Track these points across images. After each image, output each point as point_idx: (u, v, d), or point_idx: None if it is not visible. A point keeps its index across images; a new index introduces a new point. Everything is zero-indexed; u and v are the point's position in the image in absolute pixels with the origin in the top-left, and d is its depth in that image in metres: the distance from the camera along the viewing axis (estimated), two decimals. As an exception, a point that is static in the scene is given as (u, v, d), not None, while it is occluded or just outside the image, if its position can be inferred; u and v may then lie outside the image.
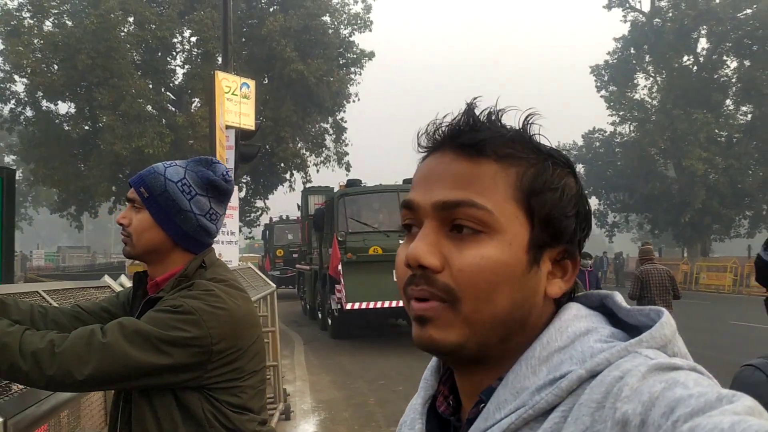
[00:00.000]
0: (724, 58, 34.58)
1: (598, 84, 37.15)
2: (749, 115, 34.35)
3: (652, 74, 36.23)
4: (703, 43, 34.81)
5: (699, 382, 0.52)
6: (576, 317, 0.66)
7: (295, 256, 19.77)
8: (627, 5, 35.90)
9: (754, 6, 32.13)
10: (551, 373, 0.61)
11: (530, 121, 0.69)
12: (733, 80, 34.09)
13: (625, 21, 36.14)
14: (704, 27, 33.55)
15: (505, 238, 0.64)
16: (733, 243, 37.52)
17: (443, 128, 0.69)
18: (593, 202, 35.66)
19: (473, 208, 0.64)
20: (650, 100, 36.02)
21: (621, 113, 35.69)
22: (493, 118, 0.69)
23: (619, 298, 0.70)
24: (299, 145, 29.32)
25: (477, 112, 0.69)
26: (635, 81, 36.86)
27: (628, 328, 0.66)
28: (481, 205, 0.64)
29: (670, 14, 33.55)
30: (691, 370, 0.55)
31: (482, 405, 0.65)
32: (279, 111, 26.06)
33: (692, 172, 31.39)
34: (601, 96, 36.74)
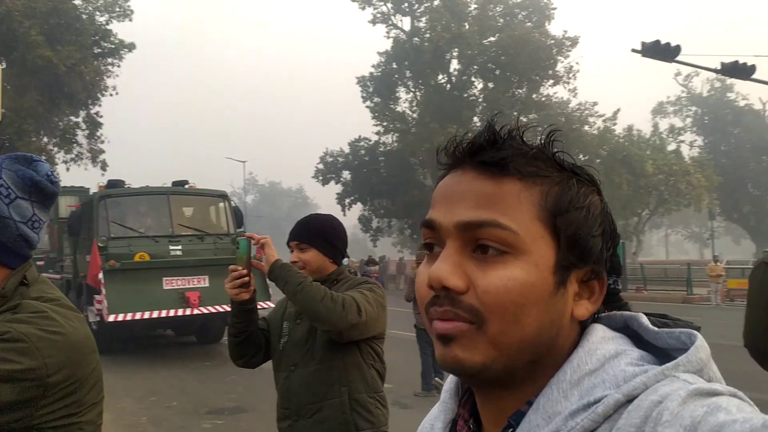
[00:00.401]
0: (473, 79, 38.51)
1: (364, 95, 38.90)
2: (492, 132, 38.49)
3: (412, 89, 38.92)
4: (455, 64, 38.39)
5: (741, 408, 0.51)
6: (603, 339, 0.65)
7: (40, 263, 17.58)
8: (390, 23, 38.19)
9: (497, 35, 36.28)
10: (584, 398, 0.59)
11: (552, 138, 0.68)
12: (480, 99, 38.11)
13: (388, 37, 38.43)
14: (456, 49, 37.00)
15: (531, 258, 0.63)
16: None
17: (464, 145, 0.67)
18: (358, 208, 37.34)
19: (498, 228, 0.62)
20: (411, 113, 38.65)
21: (385, 124, 37.75)
22: (514, 134, 0.67)
23: (645, 320, 0.68)
24: (45, 139, 26.41)
25: (498, 129, 0.68)
26: (397, 94, 39.29)
27: (654, 350, 0.65)
28: (505, 226, 0.62)
29: (428, 35, 36.39)
30: (732, 395, 0.54)
31: (511, 430, 0.64)
32: (21, 101, 23.17)
33: (446, 181, 34.21)
34: (367, 106, 38.53)
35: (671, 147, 41.39)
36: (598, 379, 0.60)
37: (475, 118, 37.86)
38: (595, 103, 38.68)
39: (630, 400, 0.56)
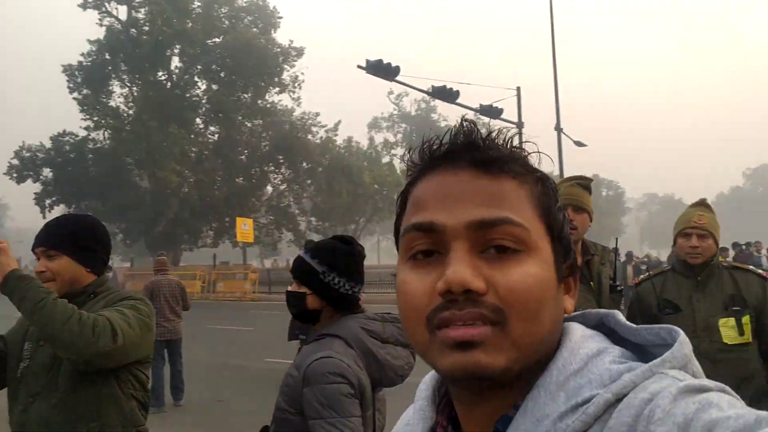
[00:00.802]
0: (196, 79, 37.02)
1: (71, 85, 34.88)
2: (216, 135, 37.55)
3: (128, 83, 36.02)
4: (176, 62, 36.48)
5: (732, 403, 0.52)
6: (584, 338, 0.65)
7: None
8: (104, 9, 34.84)
9: (222, 36, 35.38)
10: (571, 399, 0.59)
11: (513, 140, 0.68)
12: (203, 101, 36.77)
13: (101, 25, 35.05)
14: (178, 46, 35.19)
15: (541, 255, 0.63)
16: (201, 252, 40.30)
17: (457, 144, 0.66)
18: (61, 210, 33.17)
19: (512, 225, 0.62)
20: (126, 109, 35.71)
21: (95, 119, 34.26)
22: (493, 137, 0.67)
23: (621, 317, 0.69)
24: None
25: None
26: (110, 87, 36.04)
27: (631, 347, 0.65)
28: (518, 223, 0.62)
29: (147, 28, 33.99)
30: (720, 391, 0.55)
31: None
32: None
33: (166, 184, 32.38)
34: (74, 98, 34.60)
35: (385, 159, 44.85)
36: (584, 379, 0.60)
37: (199, 120, 36.45)
38: (318, 114, 40.07)
39: (619, 398, 0.56)
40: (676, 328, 0.62)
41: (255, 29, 37.33)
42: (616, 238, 3.82)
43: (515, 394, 0.63)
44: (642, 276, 3.36)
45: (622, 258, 18.94)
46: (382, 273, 32.04)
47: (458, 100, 19.53)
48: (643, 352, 0.64)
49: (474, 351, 0.59)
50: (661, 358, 0.59)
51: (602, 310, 0.70)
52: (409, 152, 0.70)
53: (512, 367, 0.60)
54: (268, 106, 39.06)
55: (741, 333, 2.86)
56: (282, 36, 55.11)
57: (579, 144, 22.16)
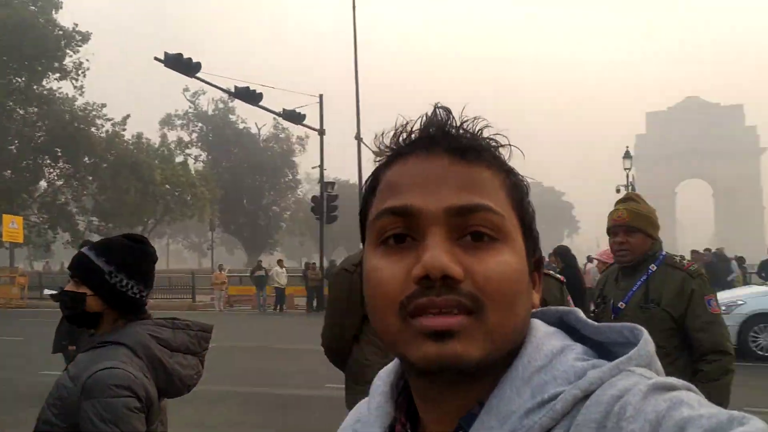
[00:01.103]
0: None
1: None
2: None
3: None
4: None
5: (702, 402, 0.52)
6: (547, 334, 0.64)
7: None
8: None
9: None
10: (537, 395, 0.58)
11: (483, 131, 0.67)
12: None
13: None
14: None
15: (516, 245, 0.63)
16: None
17: (433, 129, 0.65)
18: None
19: (491, 213, 0.61)
20: None
21: None
22: (467, 125, 0.66)
23: (582, 314, 0.69)
24: None
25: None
26: None
27: (592, 345, 0.65)
28: (497, 210, 0.62)
29: None
30: (687, 389, 0.55)
31: None
32: None
33: None
34: None
35: (179, 159, 42.72)
36: (549, 376, 0.59)
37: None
38: (104, 105, 37.01)
39: (587, 395, 0.56)
40: (639, 327, 0.62)
41: (33, 7, 33.55)
42: None
43: (480, 389, 0.62)
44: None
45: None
46: (173, 278, 30.51)
47: (261, 103, 19.32)
48: (604, 350, 0.63)
49: (451, 341, 0.57)
50: (627, 355, 0.59)
51: (562, 308, 0.70)
52: (376, 137, 0.68)
53: (486, 359, 0.59)
54: (46, 92, 35.34)
55: None
56: (65, 18, 49.95)
57: (379, 154, 22.86)
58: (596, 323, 0.66)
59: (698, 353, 2.69)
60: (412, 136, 0.66)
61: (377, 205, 0.64)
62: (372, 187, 0.67)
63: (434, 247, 0.59)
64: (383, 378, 0.73)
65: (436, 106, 0.66)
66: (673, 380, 0.55)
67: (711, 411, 0.50)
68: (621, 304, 2.90)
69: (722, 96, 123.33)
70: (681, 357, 2.74)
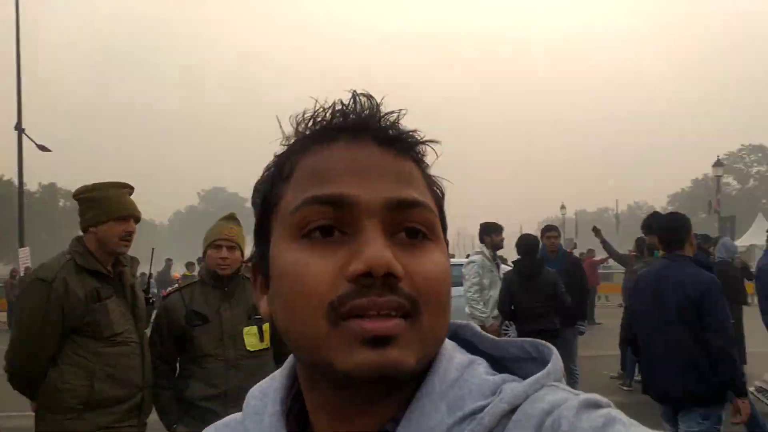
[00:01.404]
0: None
1: None
2: None
3: None
4: None
5: (632, 421, 0.51)
6: (453, 347, 0.61)
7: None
8: None
9: None
10: (455, 410, 0.55)
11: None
12: None
13: None
14: None
15: (442, 246, 0.60)
16: None
17: (364, 115, 0.60)
18: None
19: (426, 210, 0.58)
20: None
21: None
22: (394, 116, 0.62)
23: (478, 328, 0.66)
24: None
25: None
26: None
27: (487, 359, 0.63)
28: (432, 208, 0.59)
29: None
30: (611, 408, 0.54)
31: None
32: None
33: None
34: None
35: None
36: (464, 390, 0.56)
37: None
38: None
39: (513, 409, 0.54)
40: (542, 342, 0.61)
41: None
42: (153, 249, 3.76)
43: (395, 404, 0.57)
44: (170, 288, 3.47)
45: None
46: None
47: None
48: (501, 365, 0.61)
49: (388, 347, 0.52)
50: (545, 371, 0.57)
51: (457, 321, 0.66)
52: (292, 118, 0.62)
53: (417, 368, 0.55)
54: None
55: (261, 339, 3.10)
56: None
57: (42, 148, 20.07)
58: (494, 338, 0.64)
59: None
60: (340, 121, 0.60)
61: (296, 194, 0.58)
62: (282, 174, 0.61)
63: (375, 241, 0.54)
64: (270, 395, 0.65)
65: (354, 93, 0.60)
66: (599, 397, 0.54)
67: (641, 429, 0.50)
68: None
69: None
70: None
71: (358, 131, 0.59)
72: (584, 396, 0.53)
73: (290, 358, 0.66)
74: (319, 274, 0.54)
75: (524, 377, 0.57)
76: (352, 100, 0.60)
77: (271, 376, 0.67)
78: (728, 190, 56.72)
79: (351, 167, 0.57)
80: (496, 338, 0.64)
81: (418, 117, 0.63)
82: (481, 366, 0.59)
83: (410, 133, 0.60)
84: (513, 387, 0.55)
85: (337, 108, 0.60)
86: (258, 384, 0.68)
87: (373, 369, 0.52)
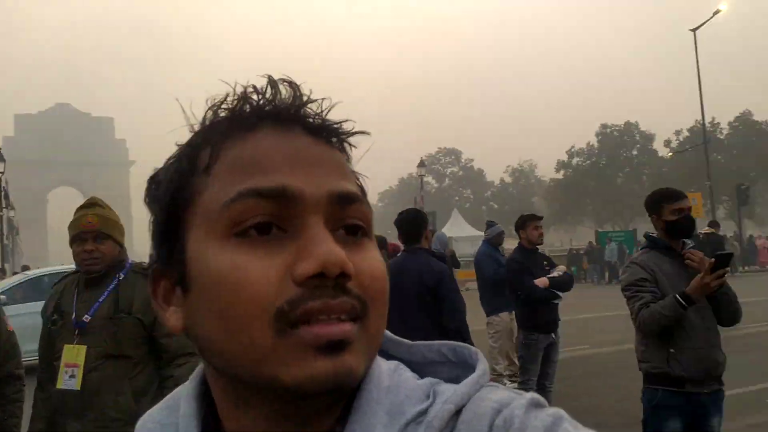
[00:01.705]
0: None
1: None
2: None
3: None
4: None
5: (575, 423, 0.51)
6: None
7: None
8: None
9: None
10: (397, 417, 0.52)
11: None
12: None
13: None
14: None
15: (374, 243, 0.56)
16: None
17: (291, 102, 0.54)
18: None
19: (365, 205, 0.54)
20: None
21: None
22: (320, 103, 0.57)
23: (389, 332, 0.61)
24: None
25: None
26: None
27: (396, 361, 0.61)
28: (368, 203, 0.55)
29: None
30: (555, 408, 0.53)
31: None
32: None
33: None
34: None
35: None
36: (400, 396, 0.53)
37: None
38: None
39: (458, 411, 0.52)
40: (461, 344, 0.59)
41: None
42: None
43: (333, 417, 0.53)
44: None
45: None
46: None
47: None
48: (415, 369, 0.58)
49: (345, 353, 0.48)
50: (480, 371, 0.55)
51: None
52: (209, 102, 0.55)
53: (363, 375, 0.51)
54: None
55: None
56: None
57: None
58: (409, 342, 0.61)
59: (166, 359, 2.70)
60: (265, 106, 0.54)
61: (226, 187, 0.50)
62: (197, 165, 0.53)
63: (324, 238, 0.49)
64: (187, 415, 0.57)
65: (269, 78, 0.54)
66: (541, 398, 0.53)
67: (585, 430, 0.49)
68: (86, 317, 2.71)
69: (94, 107, 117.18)
70: (149, 365, 2.71)
71: (285, 119, 0.53)
72: (530, 395, 0.53)
73: (194, 382, 0.59)
74: (262, 277, 0.48)
75: (446, 381, 0.56)
76: (269, 86, 0.54)
77: (165, 400, 0.61)
78: (428, 188, 63.38)
79: (289, 157, 0.51)
80: (410, 342, 0.61)
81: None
82: (405, 371, 0.57)
83: (341, 123, 0.56)
84: (456, 388, 0.53)
85: (250, 93, 0.54)
86: (149, 413, 0.61)
87: (329, 378, 0.47)
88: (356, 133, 0.56)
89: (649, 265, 3.10)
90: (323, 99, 0.55)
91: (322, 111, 0.55)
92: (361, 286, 0.50)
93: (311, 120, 0.54)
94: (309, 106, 0.54)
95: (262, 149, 0.52)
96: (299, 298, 0.47)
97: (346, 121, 0.56)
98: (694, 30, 29.25)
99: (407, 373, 0.56)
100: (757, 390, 6.36)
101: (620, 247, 27.68)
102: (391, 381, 0.54)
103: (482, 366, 0.56)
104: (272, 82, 0.54)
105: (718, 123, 50.37)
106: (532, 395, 0.53)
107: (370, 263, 0.51)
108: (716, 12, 28.41)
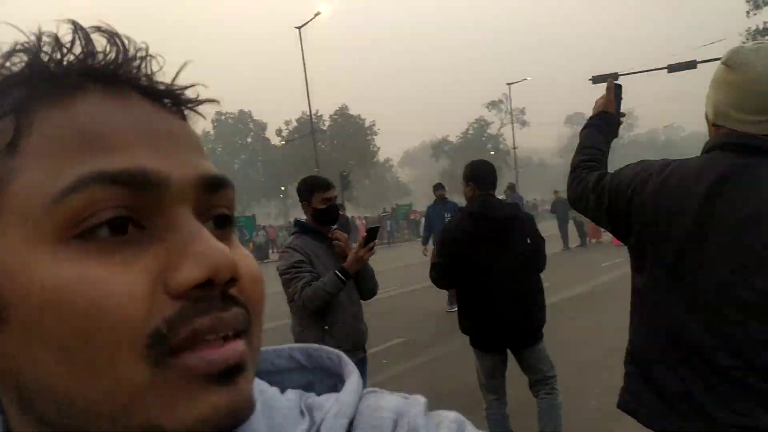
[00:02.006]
0: None
1: None
2: None
3: None
4: None
5: (474, 429, 0.47)
6: None
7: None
8: None
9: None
10: None
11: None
12: None
13: None
14: None
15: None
16: None
17: (119, 57, 0.41)
18: None
19: (232, 190, 0.44)
20: None
21: None
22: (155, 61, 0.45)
23: None
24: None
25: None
26: None
27: None
28: (233, 188, 0.45)
29: None
30: (449, 411, 0.49)
31: None
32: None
33: None
34: None
35: None
36: (278, 417, 0.45)
37: None
38: None
39: (350, 423, 0.45)
40: (312, 345, 0.52)
41: None
42: None
43: None
44: None
45: None
46: None
47: None
48: (262, 379, 0.51)
49: (240, 378, 0.38)
50: (353, 380, 0.48)
51: None
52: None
53: None
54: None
55: None
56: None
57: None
58: (266, 347, 0.54)
59: None
60: (87, 62, 0.40)
61: (51, 172, 0.37)
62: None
63: (204, 235, 0.38)
64: None
65: (76, 25, 0.40)
66: (426, 400, 0.49)
67: None
68: None
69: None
70: None
71: (120, 80, 0.41)
72: (421, 400, 0.47)
73: None
74: (125, 294, 0.36)
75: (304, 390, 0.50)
76: (81, 34, 0.40)
77: None
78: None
79: (138, 129, 0.39)
80: (272, 348, 0.54)
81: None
82: (264, 384, 0.48)
83: (184, 87, 0.43)
84: (339, 399, 0.46)
85: (66, 45, 0.40)
86: None
87: (229, 413, 0.37)
88: (207, 101, 0.45)
89: (303, 248, 3.37)
90: (158, 56, 0.43)
91: (160, 71, 0.43)
92: (243, 291, 0.40)
93: (156, 84, 0.42)
94: (147, 64, 0.42)
95: (99, 119, 0.38)
96: (181, 315, 0.36)
97: (195, 84, 0.44)
98: (299, 27, 31.31)
99: (271, 389, 0.47)
100: (378, 351, 7.21)
101: (241, 232, 28.69)
102: (260, 399, 0.45)
103: (352, 369, 0.49)
104: (83, 31, 0.40)
105: (321, 115, 55.79)
106: (417, 398, 0.47)
107: (248, 262, 0.42)
108: (317, 13, 31.13)
